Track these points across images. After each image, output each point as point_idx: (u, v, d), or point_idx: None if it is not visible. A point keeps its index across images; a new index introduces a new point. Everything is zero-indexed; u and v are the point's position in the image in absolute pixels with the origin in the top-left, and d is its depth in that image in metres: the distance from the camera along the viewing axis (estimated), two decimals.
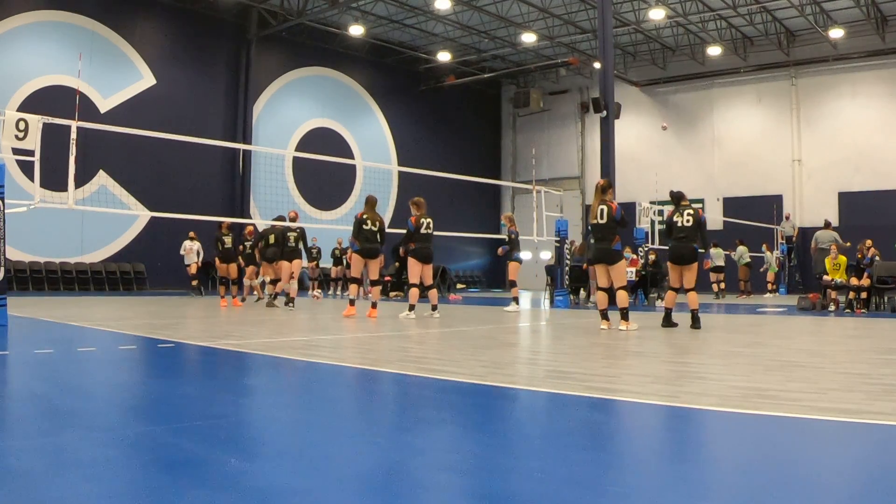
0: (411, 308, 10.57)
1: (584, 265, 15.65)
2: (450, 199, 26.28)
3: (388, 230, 11.06)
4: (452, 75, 28.80)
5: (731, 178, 26.24)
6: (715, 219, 25.05)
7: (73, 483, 2.24)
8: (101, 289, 19.85)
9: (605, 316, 8.54)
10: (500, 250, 13.17)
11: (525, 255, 29.78)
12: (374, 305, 10.70)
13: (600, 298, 8.70)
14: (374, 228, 10.52)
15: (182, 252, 18.23)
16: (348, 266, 16.61)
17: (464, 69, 28.81)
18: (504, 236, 13.05)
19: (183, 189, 21.45)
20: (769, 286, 21.84)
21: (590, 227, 8.91)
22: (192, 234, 18.06)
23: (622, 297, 8.41)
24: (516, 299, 12.85)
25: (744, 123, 26.47)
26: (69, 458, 2.56)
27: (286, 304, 12.57)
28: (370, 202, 10.82)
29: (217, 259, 13.44)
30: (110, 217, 19.03)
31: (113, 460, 2.53)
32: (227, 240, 13.32)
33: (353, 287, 10.96)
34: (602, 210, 8.57)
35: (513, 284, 12.82)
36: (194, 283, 18.23)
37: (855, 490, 2.36)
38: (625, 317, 8.35)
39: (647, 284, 15.52)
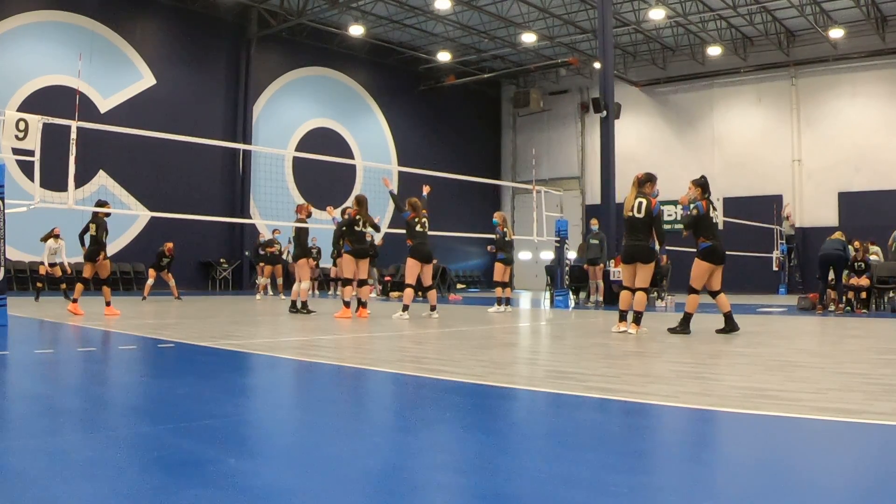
0: (405, 308, 10.46)
1: (585, 265, 15.66)
2: (449, 199, 26.25)
3: (387, 230, 11.00)
4: (452, 75, 28.79)
5: (731, 178, 26.21)
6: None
7: (73, 483, 2.24)
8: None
9: (623, 317, 7.93)
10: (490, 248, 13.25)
11: (524, 255, 29.85)
12: (363, 305, 10.65)
13: (625, 298, 7.93)
14: (364, 229, 10.46)
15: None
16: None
17: (464, 69, 28.79)
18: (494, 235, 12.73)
19: (183, 189, 21.43)
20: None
21: (625, 223, 8.08)
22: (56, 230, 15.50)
23: (640, 300, 7.83)
24: (499, 301, 12.32)
25: (744, 123, 26.46)
26: (69, 458, 2.56)
27: (300, 309, 11.36)
28: (361, 202, 10.62)
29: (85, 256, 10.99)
30: (110, 217, 18.97)
31: (113, 460, 2.53)
32: (94, 227, 10.71)
33: (346, 289, 10.58)
34: (640, 203, 7.86)
35: (497, 285, 12.42)
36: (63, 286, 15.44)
37: (855, 490, 2.36)
38: (637, 320, 7.81)
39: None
